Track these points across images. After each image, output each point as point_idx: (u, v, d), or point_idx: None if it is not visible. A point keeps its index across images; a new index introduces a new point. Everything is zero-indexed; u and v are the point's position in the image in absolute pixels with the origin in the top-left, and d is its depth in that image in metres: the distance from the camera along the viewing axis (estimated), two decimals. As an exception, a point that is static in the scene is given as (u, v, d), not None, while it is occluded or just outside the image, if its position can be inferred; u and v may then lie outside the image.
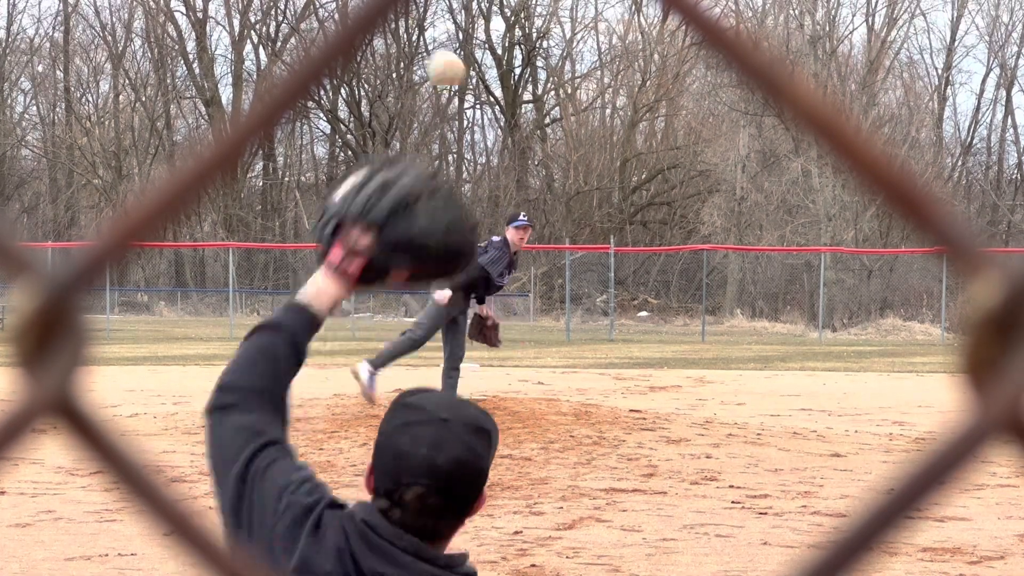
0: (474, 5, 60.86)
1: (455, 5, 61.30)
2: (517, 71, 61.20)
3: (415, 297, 50.74)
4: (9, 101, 63.82)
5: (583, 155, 57.96)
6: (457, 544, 2.46)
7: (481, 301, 12.83)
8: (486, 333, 12.97)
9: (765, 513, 9.30)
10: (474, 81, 61.87)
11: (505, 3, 61.12)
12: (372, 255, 2.57)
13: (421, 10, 59.62)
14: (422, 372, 17.76)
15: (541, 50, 62.00)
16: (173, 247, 52.62)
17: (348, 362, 25.48)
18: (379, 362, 12.37)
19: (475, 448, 2.43)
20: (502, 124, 61.55)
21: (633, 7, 59.84)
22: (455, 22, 62.09)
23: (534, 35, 61.46)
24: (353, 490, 8.53)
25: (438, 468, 2.39)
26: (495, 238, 12.84)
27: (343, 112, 62.09)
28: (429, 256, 2.60)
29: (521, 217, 13.14)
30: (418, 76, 61.39)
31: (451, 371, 12.76)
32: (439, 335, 13.01)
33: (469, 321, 12.95)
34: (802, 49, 50.00)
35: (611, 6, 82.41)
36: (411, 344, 12.54)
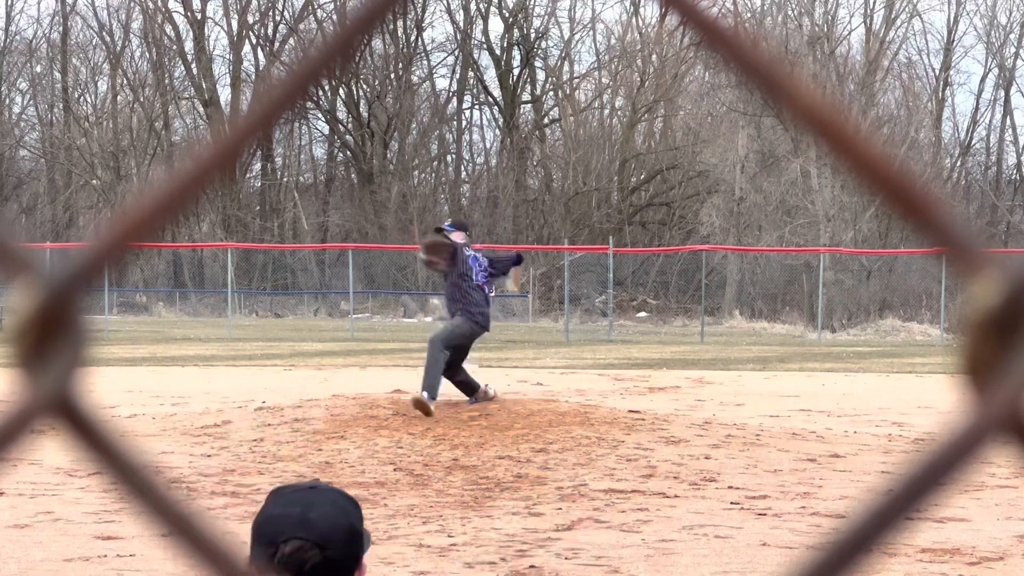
0: (472, 5, 60.88)
1: (453, 5, 61.35)
2: (516, 71, 61.21)
3: (413, 298, 50.75)
4: (7, 102, 63.80)
5: (582, 156, 57.95)
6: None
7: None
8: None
9: (764, 514, 9.30)
10: (472, 82, 61.90)
11: (503, 4, 61.14)
12: None
13: (419, 10, 59.61)
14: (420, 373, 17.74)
15: (539, 50, 62.03)
16: (172, 248, 52.59)
17: (346, 363, 25.51)
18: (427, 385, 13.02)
19: (346, 509, 2.49)
20: (500, 124, 61.55)
21: (631, 7, 59.88)
22: (453, 22, 62.16)
23: (532, 35, 61.46)
24: (352, 491, 8.50)
25: (311, 522, 2.43)
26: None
27: (342, 113, 62.09)
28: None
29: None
30: (416, 77, 61.45)
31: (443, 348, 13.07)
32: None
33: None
34: (801, 50, 50.00)
35: (609, 7, 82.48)
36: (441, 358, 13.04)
